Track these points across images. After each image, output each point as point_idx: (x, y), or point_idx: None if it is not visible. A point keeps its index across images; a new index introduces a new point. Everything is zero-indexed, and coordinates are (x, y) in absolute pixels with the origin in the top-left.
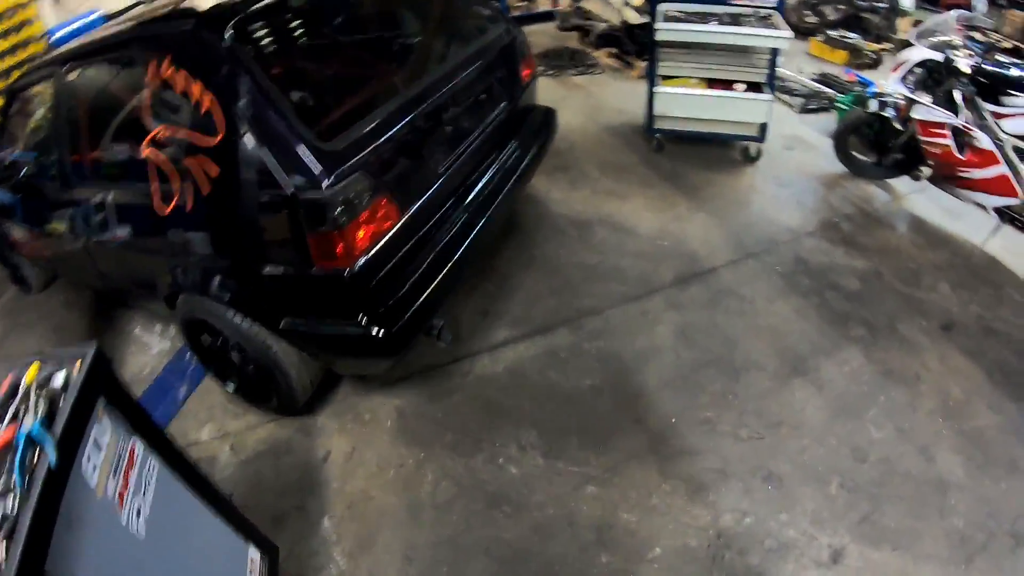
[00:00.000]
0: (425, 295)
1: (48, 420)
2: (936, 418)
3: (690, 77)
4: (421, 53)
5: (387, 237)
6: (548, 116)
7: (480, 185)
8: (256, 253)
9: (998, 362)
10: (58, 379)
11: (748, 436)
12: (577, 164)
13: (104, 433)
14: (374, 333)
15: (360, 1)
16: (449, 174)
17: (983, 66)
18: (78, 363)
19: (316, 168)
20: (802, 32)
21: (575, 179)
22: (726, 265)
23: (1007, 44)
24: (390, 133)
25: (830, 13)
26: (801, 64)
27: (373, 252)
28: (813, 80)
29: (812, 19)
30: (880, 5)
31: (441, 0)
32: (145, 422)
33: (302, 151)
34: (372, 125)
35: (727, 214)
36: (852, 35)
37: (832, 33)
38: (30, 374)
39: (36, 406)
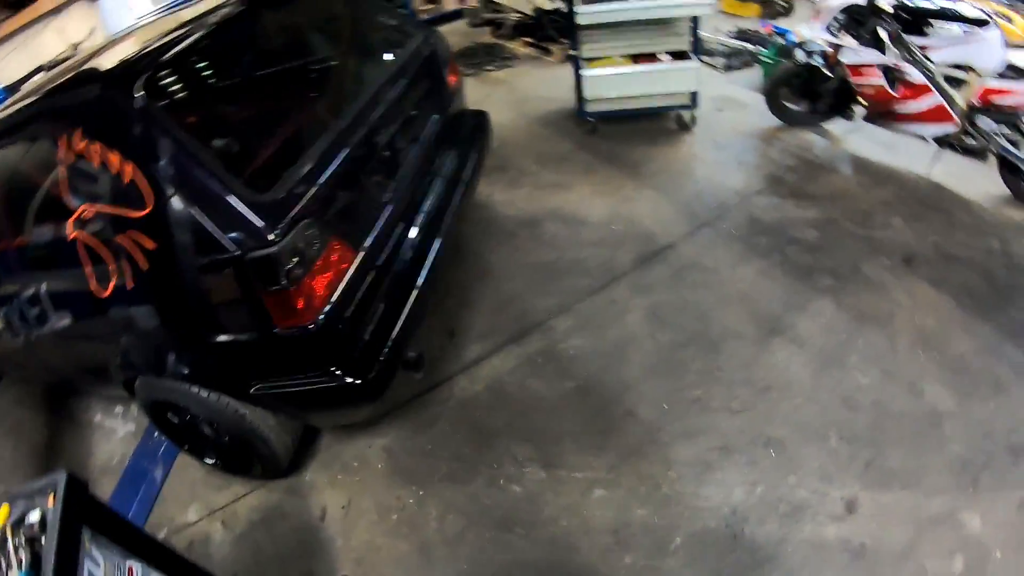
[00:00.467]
0: (396, 330)
1: (34, 568)
2: (916, 352)
3: (615, 56)
4: (344, 78)
5: (346, 280)
6: (481, 119)
7: (428, 204)
8: (211, 323)
9: (963, 286)
10: (33, 517)
11: (741, 407)
12: (514, 161)
13: (97, 566)
14: (352, 382)
15: (269, 34)
16: (395, 199)
17: (904, 2)
18: (51, 496)
19: (259, 223)
20: None
21: (515, 177)
22: (683, 239)
23: None
24: (329, 169)
25: None
26: (716, 23)
27: (335, 299)
28: (733, 38)
29: None
30: None
31: (353, 20)
32: (138, 539)
33: (241, 207)
34: (309, 164)
35: (673, 187)
36: None
37: None
38: (0, 517)
39: (17, 554)
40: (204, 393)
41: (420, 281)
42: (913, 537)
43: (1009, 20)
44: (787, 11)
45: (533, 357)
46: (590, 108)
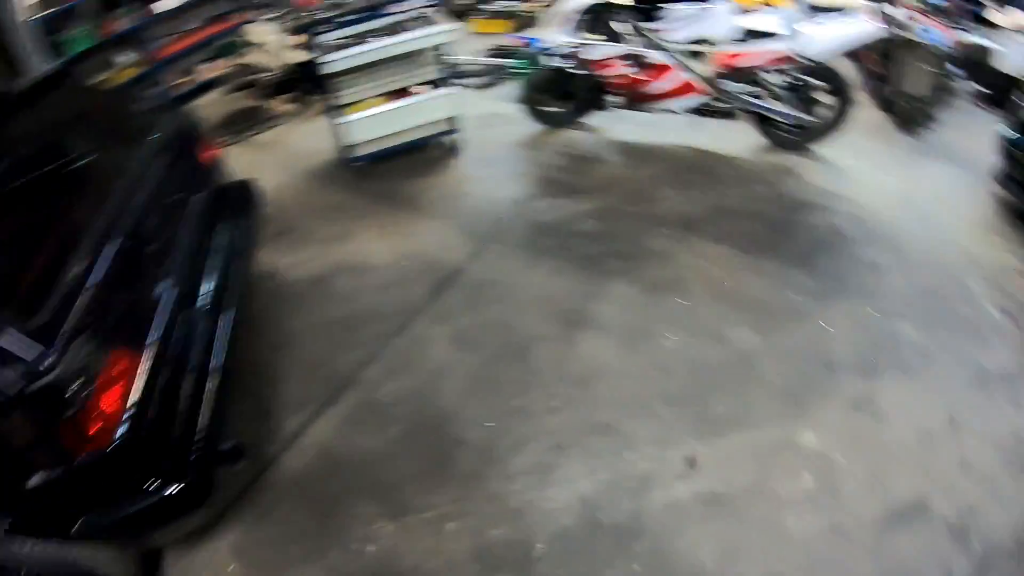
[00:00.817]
0: (205, 422)
1: None
2: (714, 305)
3: (370, 97)
4: (96, 175)
5: (137, 385)
6: (247, 188)
7: (208, 285)
8: (11, 470)
9: (743, 233)
10: None
11: (563, 404)
12: (293, 222)
13: None
14: (175, 490)
15: (17, 139)
16: (172, 288)
17: None
18: None
19: (34, 351)
20: (459, 15)
21: (296, 238)
22: (471, 259)
23: None
24: (95, 275)
25: None
26: (471, 45)
27: (131, 409)
28: (488, 56)
29: (463, 0)
30: None
31: (98, 113)
32: None
33: (12, 339)
34: (74, 274)
35: (453, 211)
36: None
37: (486, 7)
38: None
39: None
40: (27, 545)
41: (217, 365)
42: (759, 471)
43: None
44: (532, 21)
45: (353, 414)
46: (356, 153)
